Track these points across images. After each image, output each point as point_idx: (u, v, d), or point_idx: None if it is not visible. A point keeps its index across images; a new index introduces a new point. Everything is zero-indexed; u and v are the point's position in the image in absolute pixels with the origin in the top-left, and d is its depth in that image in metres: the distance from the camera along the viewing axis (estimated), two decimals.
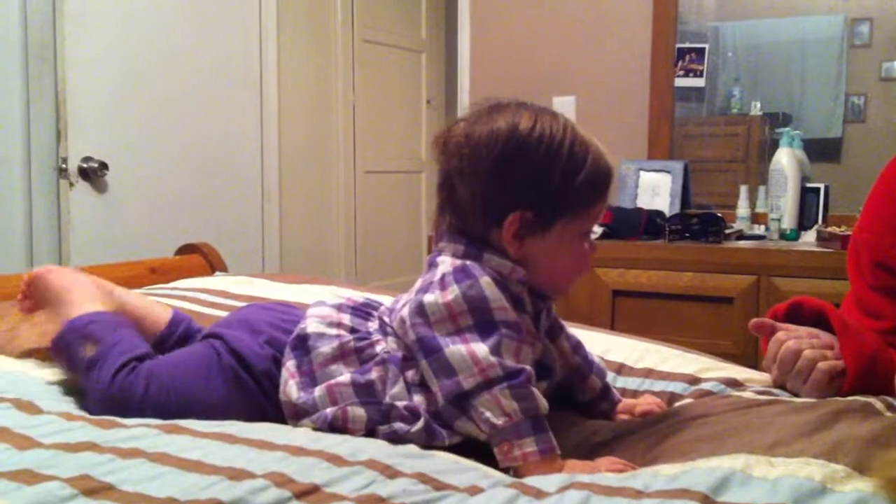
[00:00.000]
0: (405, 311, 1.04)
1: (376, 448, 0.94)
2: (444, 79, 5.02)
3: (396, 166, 4.71)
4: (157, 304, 1.38)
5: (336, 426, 1.04)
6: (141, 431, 0.97)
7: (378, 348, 1.08)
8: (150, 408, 1.07)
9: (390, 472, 0.87)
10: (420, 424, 1.01)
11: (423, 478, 0.86)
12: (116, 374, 1.10)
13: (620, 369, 1.43)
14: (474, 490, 0.85)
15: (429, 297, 1.01)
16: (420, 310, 1.02)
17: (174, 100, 3.22)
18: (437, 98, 5.02)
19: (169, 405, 1.08)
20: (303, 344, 1.11)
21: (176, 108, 3.23)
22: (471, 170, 1.05)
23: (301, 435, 0.98)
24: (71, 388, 1.19)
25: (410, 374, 1.05)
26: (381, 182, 4.52)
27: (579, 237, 1.10)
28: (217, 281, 2.12)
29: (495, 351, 0.98)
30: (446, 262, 1.05)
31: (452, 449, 1.00)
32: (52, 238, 2.83)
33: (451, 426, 1.01)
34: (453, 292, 1.01)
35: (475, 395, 0.97)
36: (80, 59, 2.85)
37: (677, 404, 1.27)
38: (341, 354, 1.08)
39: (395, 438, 1.01)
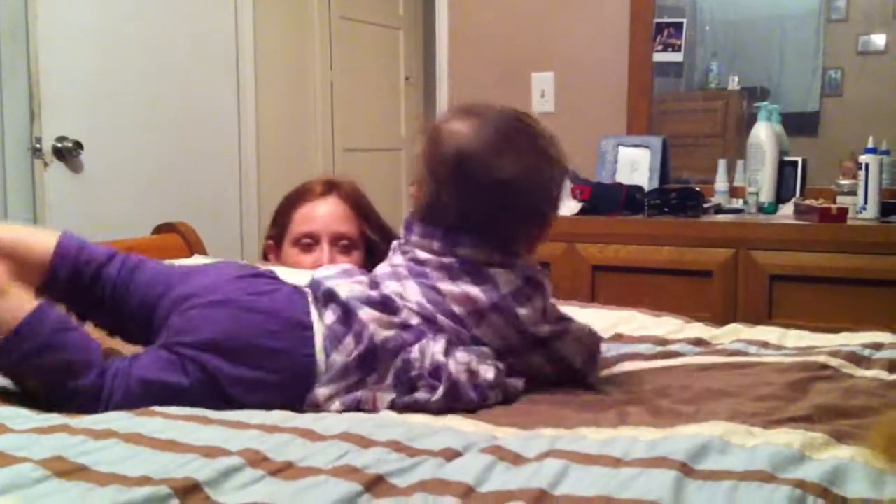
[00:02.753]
0: (496, 319, 1.13)
1: (350, 422, 0.94)
2: (423, 56, 4.99)
3: (376, 144, 4.69)
4: (34, 231, 1.25)
5: (364, 409, 1.06)
6: (114, 415, 0.96)
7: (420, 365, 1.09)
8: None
9: (364, 443, 0.87)
10: (440, 392, 1.06)
11: (396, 446, 0.86)
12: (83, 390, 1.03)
13: None
14: (450, 454, 0.85)
15: (522, 311, 1.14)
16: (518, 319, 1.14)
17: (150, 78, 3.18)
18: (416, 75, 4.99)
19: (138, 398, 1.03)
20: (374, 358, 1.08)
21: (151, 87, 3.19)
22: (542, 180, 1.17)
23: (275, 414, 0.98)
24: None
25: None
26: (360, 160, 4.49)
27: None
28: (195, 262, 2.10)
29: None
30: (502, 276, 1.14)
31: None
32: (28, 219, 2.80)
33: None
34: (538, 301, 1.16)
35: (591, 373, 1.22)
36: (52, 38, 2.80)
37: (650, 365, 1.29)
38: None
39: (416, 408, 1.05)
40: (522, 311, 1.13)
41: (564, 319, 1.21)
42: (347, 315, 1.09)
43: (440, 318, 1.11)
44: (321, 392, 1.07)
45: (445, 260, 1.13)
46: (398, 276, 1.15)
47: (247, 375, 1.05)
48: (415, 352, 1.08)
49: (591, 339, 1.22)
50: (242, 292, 1.12)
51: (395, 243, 1.24)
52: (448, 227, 1.14)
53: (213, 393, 1.04)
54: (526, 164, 1.14)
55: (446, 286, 1.12)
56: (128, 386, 1.04)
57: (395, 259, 1.19)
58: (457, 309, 1.12)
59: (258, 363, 1.06)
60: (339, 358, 1.08)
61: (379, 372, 1.08)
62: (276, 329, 1.08)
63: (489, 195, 1.14)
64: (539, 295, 1.16)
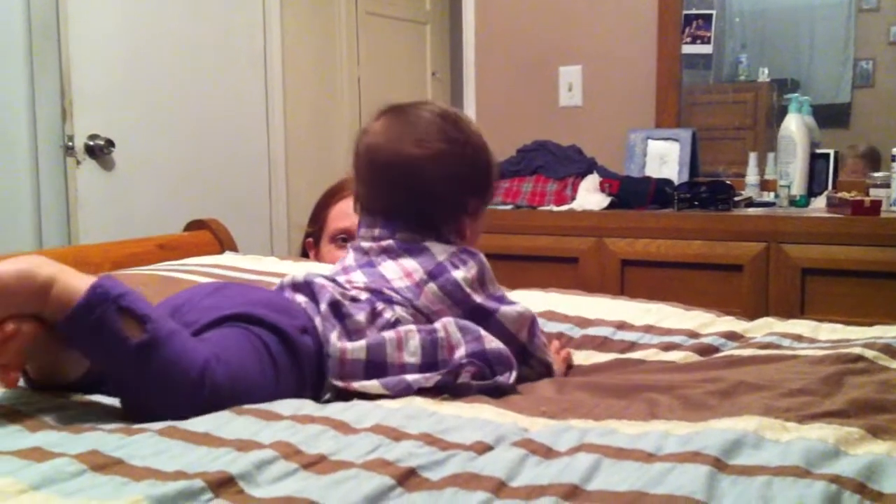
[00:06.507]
0: (434, 287, 1.18)
1: (381, 412, 0.95)
2: (449, 50, 4.99)
3: None
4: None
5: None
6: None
7: (387, 315, 1.13)
8: (216, 399, 0.94)
9: (396, 435, 0.87)
10: (514, 374, 1.12)
11: (428, 438, 0.86)
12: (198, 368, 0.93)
13: (621, 325, 1.43)
14: (481, 448, 0.85)
15: (459, 274, 1.19)
16: (458, 285, 1.18)
17: (179, 76, 3.20)
18: (443, 70, 4.99)
19: (234, 396, 0.95)
20: (338, 311, 1.11)
21: (181, 85, 3.21)
22: (449, 165, 1.22)
23: (307, 404, 0.98)
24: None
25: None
26: None
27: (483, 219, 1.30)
28: (227, 259, 2.11)
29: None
30: (438, 247, 1.21)
31: None
32: (60, 216, 2.83)
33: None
34: (473, 268, 1.20)
35: (532, 343, 1.22)
36: (84, 37, 2.83)
37: (678, 358, 1.28)
38: (371, 319, 1.12)
39: (498, 389, 1.09)
40: (458, 274, 1.18)
41: (501, 295, 1.24)
42: (309, 288, 1.16)
43: (387, 291, 1.17)
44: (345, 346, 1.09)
45: (384, 243, 1.21)
46: (346, 270, 1.22)
47: (288, 321, 1.08)
48: (441, 330, 1.12)
49: (528, 314, 1.23)
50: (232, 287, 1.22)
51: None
52: (385, 215, 1.23)
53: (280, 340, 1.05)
54: (432, 153, 1.21)
55: (388, 266, 1.20)
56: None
57: (347, 259, 1.26)
58: (398, 284, 1.18)
59: (290, 314, 1.10)
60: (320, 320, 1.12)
61: (387, 348, 1.09)
62: (280, 297, 1.17)
63: (398, 184, 1.22)
64: (474, 261, 1.21)
